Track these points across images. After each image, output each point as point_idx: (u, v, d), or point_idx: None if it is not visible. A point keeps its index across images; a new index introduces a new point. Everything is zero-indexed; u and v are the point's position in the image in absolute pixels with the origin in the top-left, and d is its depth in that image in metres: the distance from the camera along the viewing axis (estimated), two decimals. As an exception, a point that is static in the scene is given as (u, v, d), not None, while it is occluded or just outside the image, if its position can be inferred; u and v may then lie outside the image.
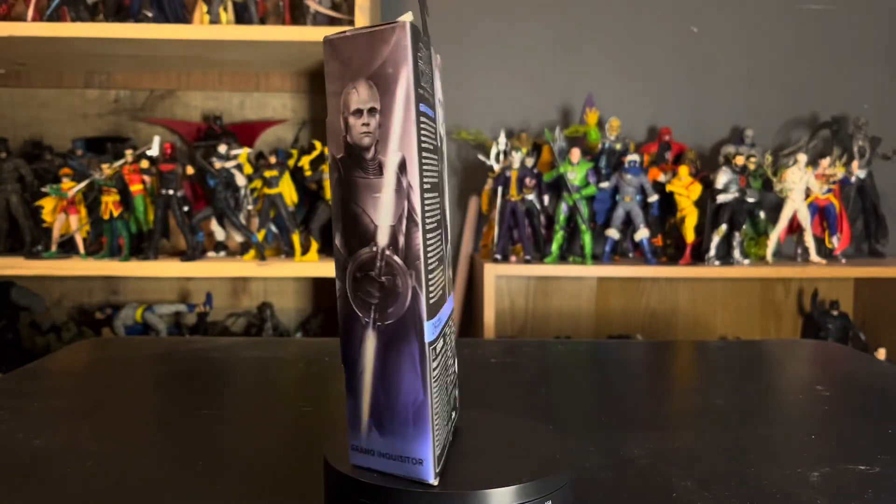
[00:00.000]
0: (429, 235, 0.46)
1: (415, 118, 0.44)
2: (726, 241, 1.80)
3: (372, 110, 0.45)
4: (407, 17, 0.44)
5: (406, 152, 0.45)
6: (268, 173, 1.72)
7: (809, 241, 1.83)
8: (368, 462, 0.47)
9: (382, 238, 0.45)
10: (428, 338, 0.45)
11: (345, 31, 0.45)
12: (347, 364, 0.47)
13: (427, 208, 0.46)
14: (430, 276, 0.46)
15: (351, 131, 0.45)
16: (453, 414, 0.53)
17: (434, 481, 0.45)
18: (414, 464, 0.46)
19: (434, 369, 0.46)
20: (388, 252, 0.45)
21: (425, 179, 0.45)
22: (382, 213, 0.45)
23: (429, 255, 0.46)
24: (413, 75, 0.44)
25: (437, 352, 0.47)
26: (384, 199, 0.45)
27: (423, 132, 0.45)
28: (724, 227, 1.77)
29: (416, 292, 0.45)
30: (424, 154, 0.45)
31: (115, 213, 1.71)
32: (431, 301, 0.46)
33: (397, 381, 0.46)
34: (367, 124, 0.45)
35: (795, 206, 1.80)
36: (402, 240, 0.45)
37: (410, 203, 0.45)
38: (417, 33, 0.45)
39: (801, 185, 1.79)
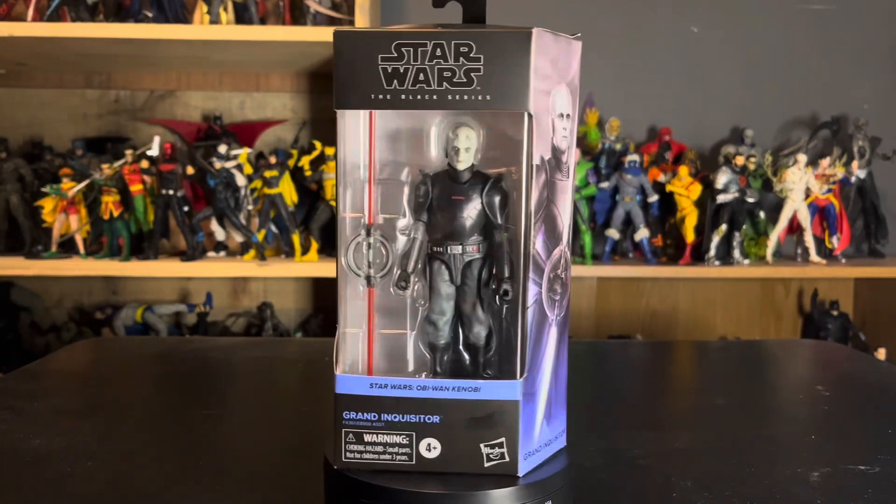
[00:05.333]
0: None
1: None
2: (726, 241, 1.80)
3: (569, 116, 0.47)
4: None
5: (575, 157, 0.50)
6: (268, 173, 1.72)
7: (809, 241, 1.83)
8: (537, 460, 0.47)
9: (565, 236, 0.48)
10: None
11: (544, 29, 0.45)
12: (532, 371, 0.46)
13: None
14: None
15: (556, 134, 0.46)
16: None
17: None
18: (561, 434, 0.50)
19: None
20: (566, 249, 0.48)
21: None
22: (567, 213, 0.48)
23: None
24: None
25: None
26: (568, 199, 0.48)
27: None
28: (724, 227, 1.77)
29: (570, 280, 0.50)
30: None
31: (115, 213, 1.71)
32: None
33: (563, 366, 0.49)
34: (566, 128, 0.47)
35: (795, 206, 1.80)
36: (570, 236, 0.49)
37: (573, 202, 0.49)
38: None
39: (801, 185, 1.79)
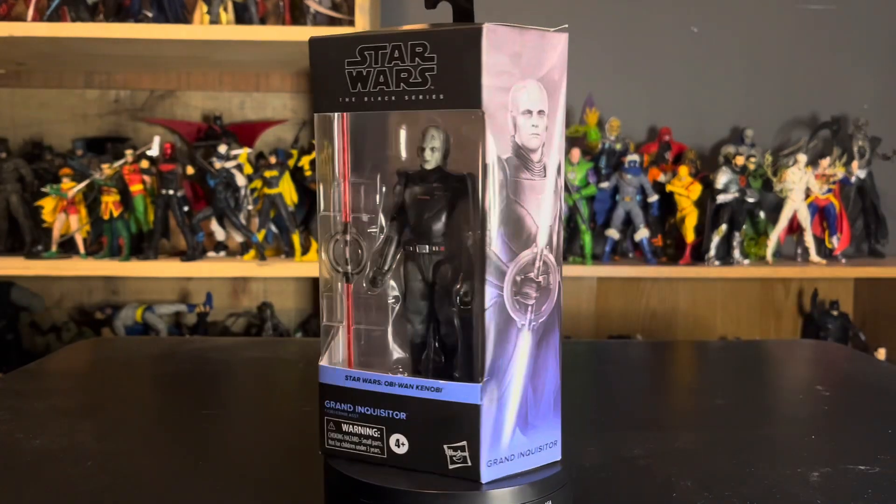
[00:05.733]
0: None
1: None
2: (726, 241, 1.80)
3: (541, 112, 0.45)
4: (561, 28, 0.47)
5: (562, 156, 0.47)
6: (268, 173, 1.72)
7: (809, 241, 1.83)
8: (507, 470, 0.45)
9: (542, 238, 0.46)
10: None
11: (505, 24, 0.44)
12: (494, 376, 0.44)
13: None
14: None
15: (520, 131, 0.44)
16: None
17: (561, 456, 0.48)
18: (550, 447, 0.48)
19: None
20: (545, 251, 0.46)
21: None
22: (543, 214, 0.46)
23: None
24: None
25: None
26: (546, 200, 0.46)
27: None
28: (724, 227, 1.77)
29: (560, 286, 0.47)
30: None
31: (115, 213, 1.71)
32: None
33: (545, 374, 0.47)
34: (537, 126, 0.45)
35: (795, 206, 1.80)
36: (555, 238, 0.47)
37: (561, 202, 0.47)
38: None
39: (801, 185, 1.79)
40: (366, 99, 0.46)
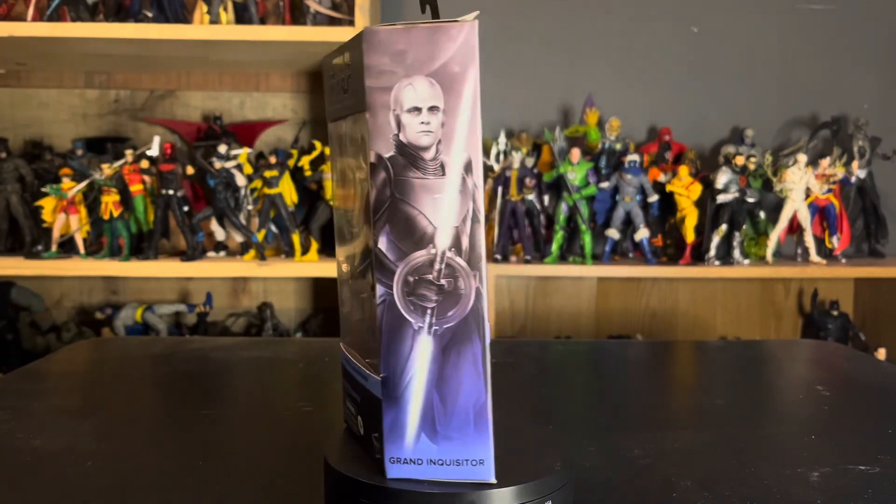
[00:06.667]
0: None
1: (479, 118, 0.44)
2: (726, 241, 1.80)
3: (433, 108, 0.43)
4: (473, 16, 0.43)
5: (472, 152, 0.44)
6: (268, 173, 1.72)
7: (809, 241, 1.83)
8: (414, 472, 0.45)
9: (443, 240, 0.44)
10: (489, 337, 0.45)
11: (393, 24, 0.43)
12: (390, 374, 0.44)
13: None
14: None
15: (405, 130, 0.43)
16: None
17: (494, 479, 0.45)
18: (474, 465, 0.45)
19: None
20: (449, 254, 0.44)
21: None
22: (444, 215, 0.44)
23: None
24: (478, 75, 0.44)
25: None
26: (447, 199, 0.44)
27: None
28: (724, 227, 1.77)
29: (479, 293, 0.44)
30: None
31: (115, 213, 1.71)
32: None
33: (457, 385, 0.45)
34: (428, 123, 0.43)
35: (795, 206, 1.80)
36: (465, 241, 0.44)
37: (475, 203, 0.44)
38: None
39: (801, 185, 1.79)
40: (336, 106, 0.50)
